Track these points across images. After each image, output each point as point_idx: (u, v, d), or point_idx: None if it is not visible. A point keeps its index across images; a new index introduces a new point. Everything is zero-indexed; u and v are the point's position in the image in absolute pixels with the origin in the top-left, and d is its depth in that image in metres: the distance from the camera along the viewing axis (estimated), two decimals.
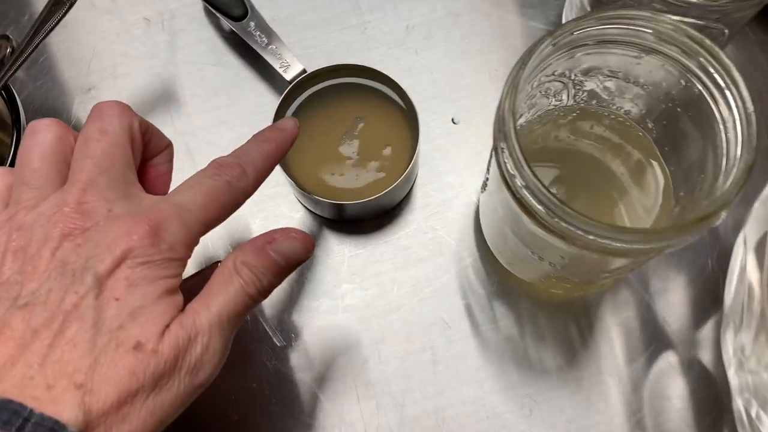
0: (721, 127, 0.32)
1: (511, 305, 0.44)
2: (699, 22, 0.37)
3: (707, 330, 0.43)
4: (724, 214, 0.29)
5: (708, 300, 0.44)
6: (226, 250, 0.45)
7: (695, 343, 0.43)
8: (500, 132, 0.31)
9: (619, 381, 0.42)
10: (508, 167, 0.31)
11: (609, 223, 0.29)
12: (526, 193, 0.30)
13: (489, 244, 0.44)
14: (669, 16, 0.34)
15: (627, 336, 0.43)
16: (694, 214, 0.32)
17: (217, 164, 0.31)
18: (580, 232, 0.30)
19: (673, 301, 0.44)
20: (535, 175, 0.29)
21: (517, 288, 0.44)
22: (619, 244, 0.30)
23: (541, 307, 0.44)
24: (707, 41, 0.31)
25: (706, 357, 0.43)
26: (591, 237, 0.30)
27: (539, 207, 0.30)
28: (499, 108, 0.31)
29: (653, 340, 0.43)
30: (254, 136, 0.34)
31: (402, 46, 0.50)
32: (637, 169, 0.39)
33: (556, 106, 0.39)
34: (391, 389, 0.42)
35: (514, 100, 0.31)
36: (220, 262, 0.32)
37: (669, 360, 0.43)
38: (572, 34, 0.32)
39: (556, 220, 0.30)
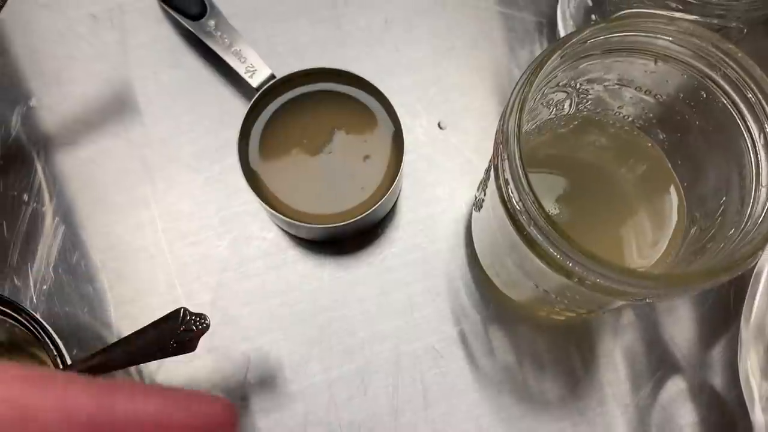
0: (749, 146, 0.29)
1: (508, 330, 0.40)
2: (715, 22, 0.33)
3: (719, 350, 0.40)
4: (761, 254, 0.25)
5: (719, 316, 0.41)
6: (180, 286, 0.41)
7: (706, 366, 0.40)
8: (503, 153, 0.27)
9: (625, 410, 0.39)
10: (510, 190, 0.27)
11: (627, 268, 0.25)
12: (533, 230, 0.26)
13: (483, 266, 0.40)
14: (688, 17, 0.30)
15: (632, 360, 0.40)
16: (719, 245, 0.29)
17: None
18: (591, 276, 0.26)
19: (682, 318, 0.41)
20: (541, 207, 0.25)
21: (513, 310, 0.40)
22: (635, 290, 0.26)
23: (540, 331, 0.40)
24: (739, 53, 0.27)
25: (718, 380, 0.39)
26: (602, 281, 0.26)
27: (541, 239, 0.26)
28: (503, 130, 0.27)
29: (661, 363, 0.40)
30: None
31: (381, 42, 0.45)
32: (645, 181, 0.36)
33: (556, 115, 0.35)
34: (379, 429, 0.38)
35: (519, 119, 0.26)
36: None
37: (678, 385, 0.39)
38: (584, 43, 0.27)
39: (560, 257, 0.26)
